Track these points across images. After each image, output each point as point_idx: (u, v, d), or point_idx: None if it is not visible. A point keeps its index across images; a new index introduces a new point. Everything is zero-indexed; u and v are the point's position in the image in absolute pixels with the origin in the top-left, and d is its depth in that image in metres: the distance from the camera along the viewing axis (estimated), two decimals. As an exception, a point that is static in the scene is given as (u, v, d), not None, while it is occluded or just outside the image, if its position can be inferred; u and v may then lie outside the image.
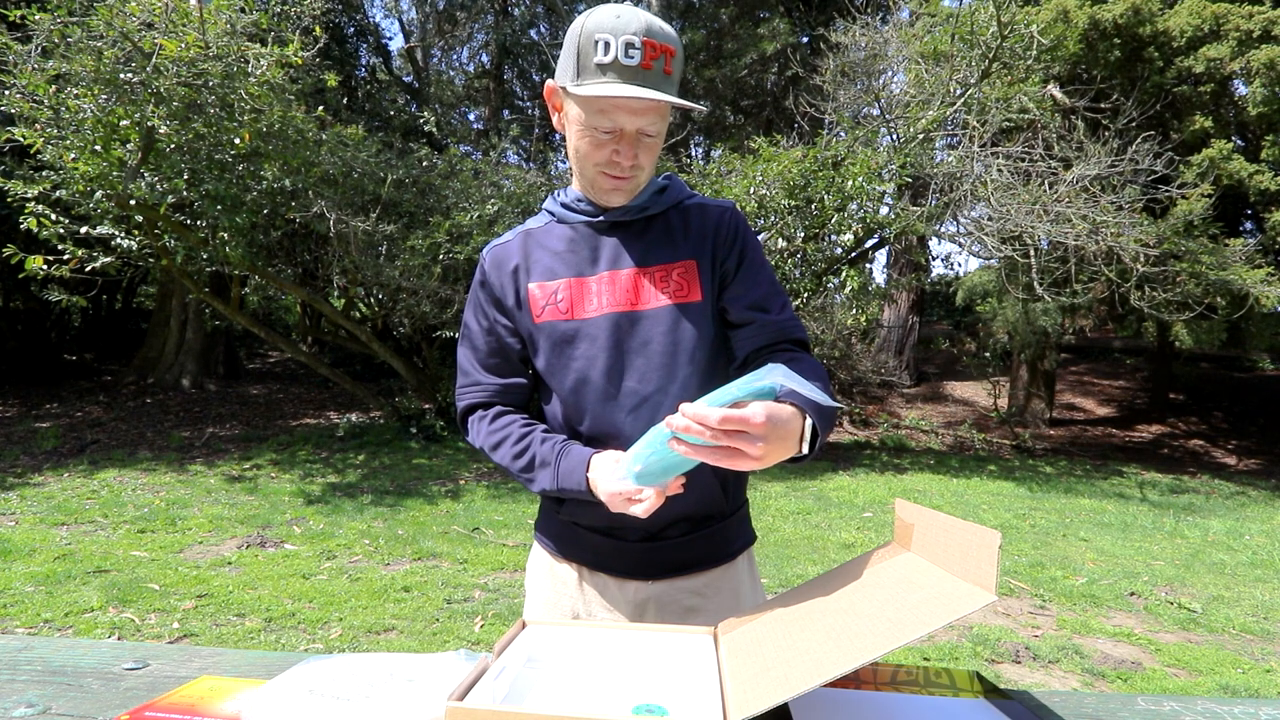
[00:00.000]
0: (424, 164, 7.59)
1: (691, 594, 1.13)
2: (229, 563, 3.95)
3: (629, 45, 0.95)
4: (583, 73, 0.98)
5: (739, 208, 1.18)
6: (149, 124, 4.96)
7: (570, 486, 1.02)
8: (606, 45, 0.95)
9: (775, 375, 0.83)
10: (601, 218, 1.11)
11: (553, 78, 1.07)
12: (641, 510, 0.94)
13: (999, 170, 6.77)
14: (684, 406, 0.81)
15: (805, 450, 0.89)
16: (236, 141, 5.41)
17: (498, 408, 1.15)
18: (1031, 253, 6.82)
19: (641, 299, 1.07)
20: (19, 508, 4.80)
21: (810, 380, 0.93)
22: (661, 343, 1.06)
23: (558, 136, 13.68)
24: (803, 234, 6.99)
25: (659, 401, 1.06)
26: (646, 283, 1.08)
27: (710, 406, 0.80)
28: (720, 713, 0.65)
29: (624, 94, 0.95)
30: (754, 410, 0.80)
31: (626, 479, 0.93)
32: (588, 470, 1.01)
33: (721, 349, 1.13)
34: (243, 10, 5.25)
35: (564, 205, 1.14)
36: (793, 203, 6.65)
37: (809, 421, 0.88)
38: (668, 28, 0.99)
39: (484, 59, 15.25)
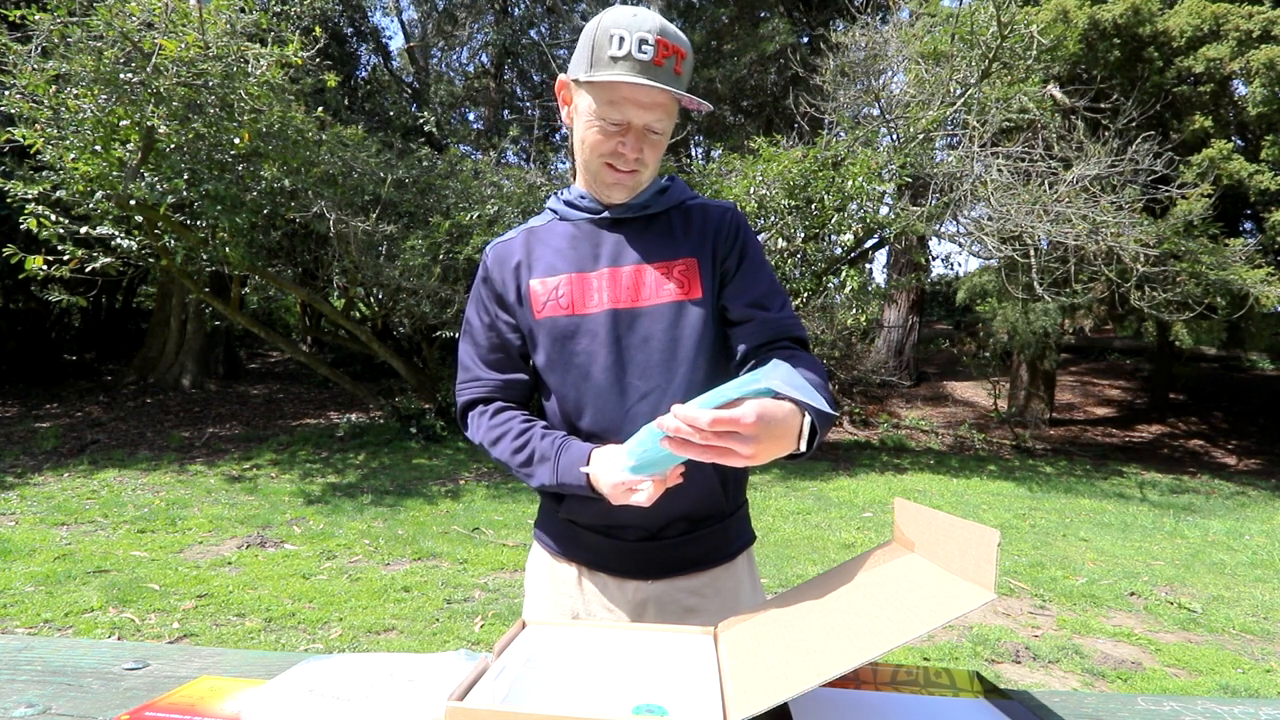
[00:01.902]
0: (424, 164, 7.59)
1: (691, 593, 1.13)
2: (229, 563, 3.95)
3: (643, 41, 0.98)
4: (596, 65, 1.00)
5: (739, 208, 1.19)
6: (149, 124, 4.97)
7: (570, 481, 1.02)
8: (621, 40, 0.98)
9: (774, 378, 0.83)
10: (604, 214, 1.12)
11: (563, 73, 1.10)
12: (643, 499, 0.94)
13: (999, 170, 6.77)
14: (675, 408, 0.81)
15: (803, 448, 0.88)
16: (236, 141, 5.41)
17: (498, 403, 1.15)
18: (1031, 253, 6.82)
19: (642, 295, 1.08)
20: (19, 508, 4.80)
21: (809, 377, 0.94)
22: (662, 339, 1.07)
23: (558, 136, 13.70)
24: (803, 234, 6.99)
25: (659, 397, 1.06)
26: (647, 279, 1.08)
27: (701, 408, 0.80)
28: (720, 713, 0.65)
29: (636, 81, 0.97)
30: (745, 411, 0.80)
31: (624, 471, 0.94)
32: (588, 464, 1.01)
33: (722, 346, 1.14)
34: (243, 10, 5.25)
35: (567, 203, 1.15)
36: (793, 203, 6.65)
37: (808, 419, 0.88)
38: (681, 33, 1.02)
39: (484, 59, 15.26)
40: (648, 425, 0.89)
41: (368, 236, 6.70)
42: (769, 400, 0.83)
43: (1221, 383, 13.03)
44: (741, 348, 1.11)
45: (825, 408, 0.90)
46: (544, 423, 1.12)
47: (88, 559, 3.87)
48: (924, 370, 13.02)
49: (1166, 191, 7.02)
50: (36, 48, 4.83)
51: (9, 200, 5.53)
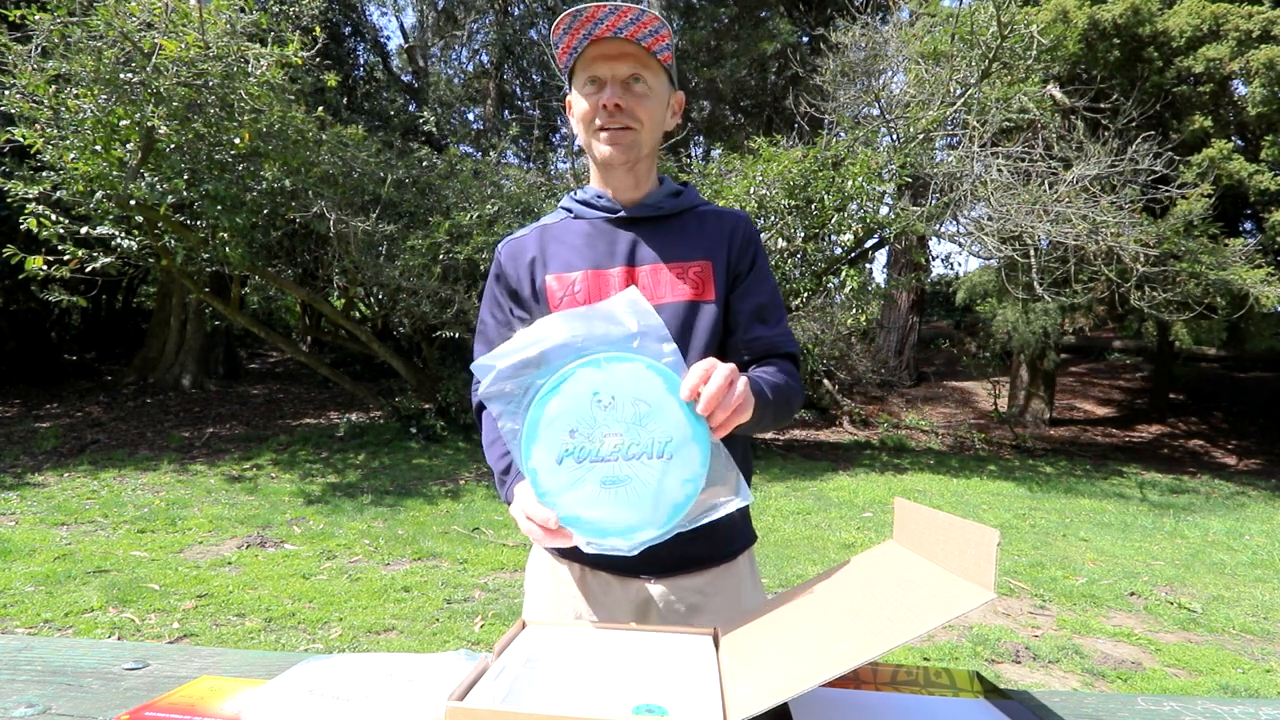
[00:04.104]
0: (424, 164, 7.59)
1: (693, 593, 1.14)
2: (229, 563, 3.95)
3: (580, 11, 1.03)
4: (559, 52, 1.07)
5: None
6: (149, 124, 4.96)
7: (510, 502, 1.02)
8: (569, 19, 1.03)
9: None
10: (620, 214, 1.14)
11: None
12: (541, 537, 0.90)
13: (999, 170, 6.77)
14: (689, 391, 0.82)
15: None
16: (236, 141, 5.41)
17: None
18: (1031, 253, 6.82)
19: (658, 294, 1.10)
20: (19, 508, 4.80)
21: (768, 381, 1.03)
22: (673, 337, 1.08)
23: (557, 136, 13.70)
24: (803, 234, 6.99)
25: None
26: (663, 278, 1.10)
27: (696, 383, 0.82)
28: (720, 713, 0.65)
29: (587, 31, 1.02)
30: (719, 365, 0.84)
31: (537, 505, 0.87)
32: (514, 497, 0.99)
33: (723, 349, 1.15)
34: (243, 10, 5.25)
35: (581, 202, 1.17)
36: (793, 203, 6.65)
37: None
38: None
39: (484, 59, 15.26)
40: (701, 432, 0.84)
41: (368, 236, 6.70)
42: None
43: (1221, 383, 13.03)
44: (735, 361, 1.12)
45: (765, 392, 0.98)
46: None
47: (88, 559, 3.87)
48: (924, 370, 13.02)
49: (1166, 191, 7.02)
50: (36, 48, 4.83)
51: (9, 200, 5.53)
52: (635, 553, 0.86)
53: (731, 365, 0.85)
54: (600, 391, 0.83)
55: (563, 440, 0.83)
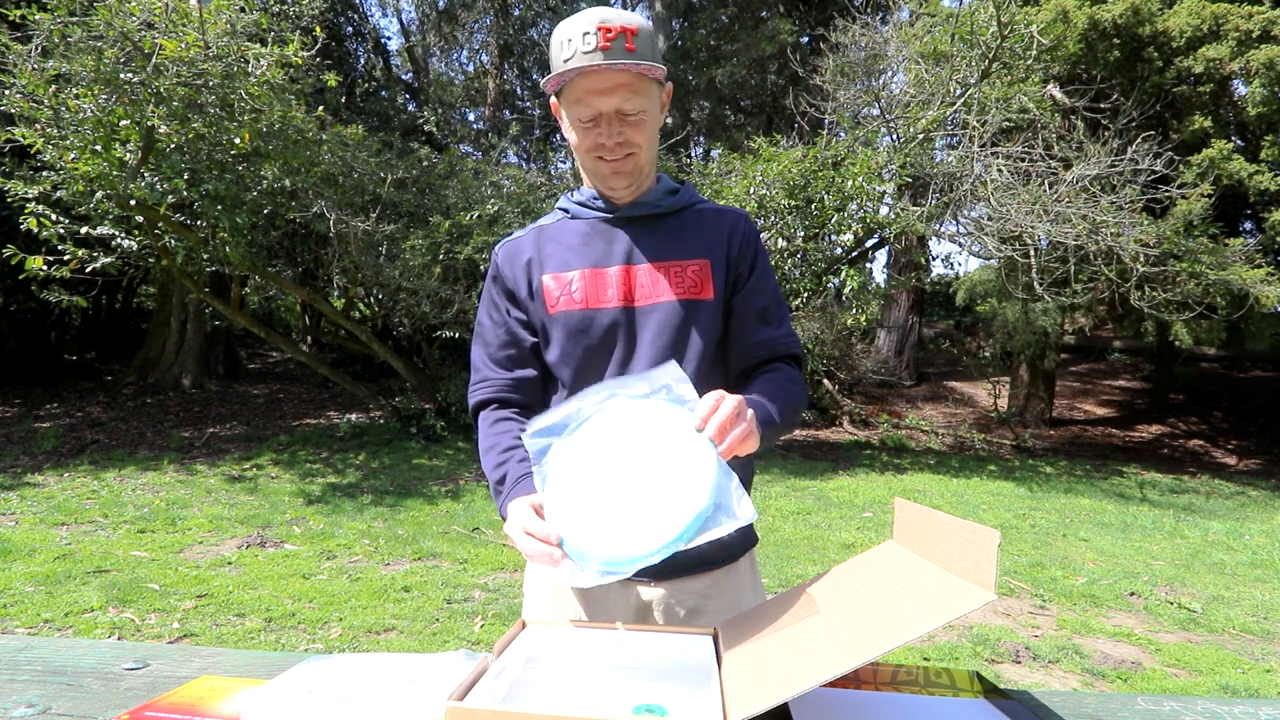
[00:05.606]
0: (424, 164, 7.59)
1: (694, 596, 1.14)
2: (229, 563, 3.95)
3: (585, 34, 1.00)
4: (555, 73, 1.04)
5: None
6: (149, 124, 4.96)
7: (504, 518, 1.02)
8: (567, 41, 1.01)
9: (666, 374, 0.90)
10: (617, 212, 1.13)
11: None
12: (536, 554, 0.88)
13: (999, 170, 6.77)
14: (699, 427, 0.86)
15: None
16: (236, 141, 5.41)
17: (502, 409, 1.16)
18: (1031, 253, 6.82)
19: (656, 292, 1.09)
20: (19, 508, 4.80)
21: (770, 390, 1.05)
22: (670, 337, 1.08)
23: (557, 137, 13.71)
24: (803, 234, 6.99)
25: None
26: (662, 277, 1.10)
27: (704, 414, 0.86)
28: (720, 713, 0.65)
29: (581, 67, 0.99)
30: (726, 397, 0.87)
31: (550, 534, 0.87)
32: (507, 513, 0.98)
33: (724, 349, 1.15)
34: (243, 10, 5.25)
35: (578, 202, 1.17)
36: (793, 203, 6.65)
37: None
38: (627, 13, 1.04)
39: (484, 59, 15.26)
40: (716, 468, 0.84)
41: (368, 236, 6.70)
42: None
43: (1221, 383, 13.02)
44: (737, 364, 1.13)
45: (773, 416, 1.00)
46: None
47: (88, 559, 3.87)
48: (924, 370, 13.02)
49: (1166, 191, 7.02)
50: (36, 48, 4.83)
51: (9, 200, 5.53)
52: (633, 572, 0.85)
53: (740, 398, 0.88)
54: (612, 425, 0.88)
55: (573, 469, 0.88)
